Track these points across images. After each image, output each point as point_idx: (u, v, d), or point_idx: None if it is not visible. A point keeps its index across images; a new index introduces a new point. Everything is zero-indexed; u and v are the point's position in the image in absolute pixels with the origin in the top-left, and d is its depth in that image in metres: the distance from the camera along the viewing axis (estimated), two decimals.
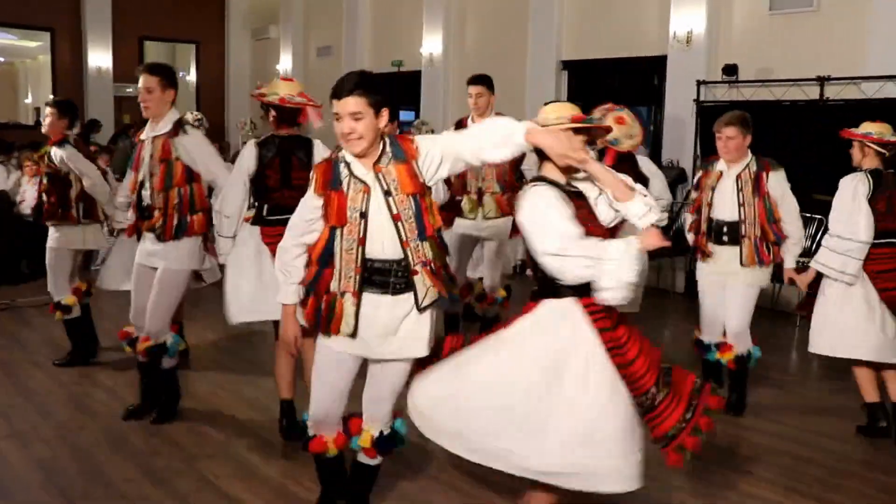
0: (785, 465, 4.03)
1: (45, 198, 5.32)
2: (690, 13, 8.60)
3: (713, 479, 3.84)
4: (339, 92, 2.78)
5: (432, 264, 2.89)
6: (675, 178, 8.57)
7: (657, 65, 9.19)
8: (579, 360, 2.70)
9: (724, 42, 8.55)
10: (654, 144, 9.68)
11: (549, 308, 2.79)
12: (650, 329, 6.63)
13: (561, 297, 2.77)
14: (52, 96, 15.31)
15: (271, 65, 16.03)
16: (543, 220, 2.72)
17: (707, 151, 8.06)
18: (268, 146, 4.02)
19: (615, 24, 9.63)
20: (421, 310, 2.89)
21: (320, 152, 4.00)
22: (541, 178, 2.86)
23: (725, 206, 4.57)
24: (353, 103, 2.75)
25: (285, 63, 15.34)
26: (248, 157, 4.00)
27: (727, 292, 4.62)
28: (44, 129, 5.38)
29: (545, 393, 2.67)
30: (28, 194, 8.13)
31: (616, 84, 10.11)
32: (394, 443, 3.25)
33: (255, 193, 4.06)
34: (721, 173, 4.62)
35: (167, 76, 4.24)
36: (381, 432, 3.21)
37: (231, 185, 4.06)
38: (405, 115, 13.60)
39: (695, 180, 4.98)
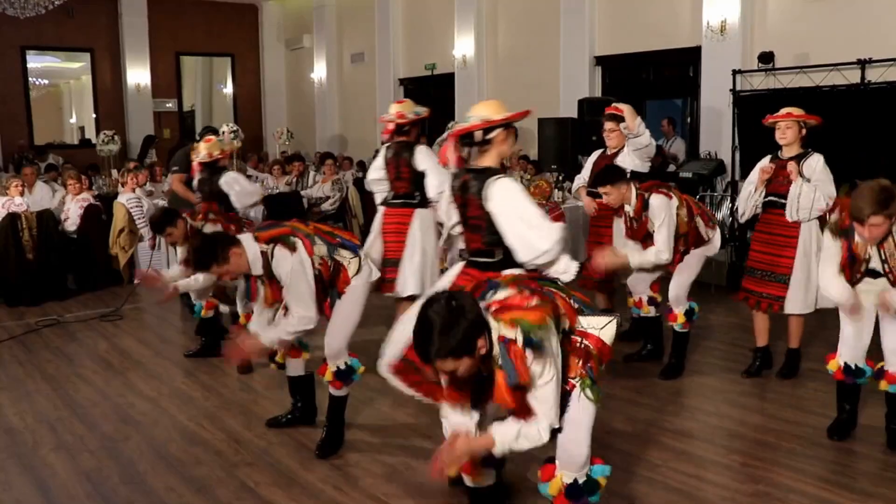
0: (829, 459, 3.93)
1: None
2: (724, 2, 8.47)
3: (755, 473, 3.77)
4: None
5: None
6: (714, 169, 8.43)
7: (691, 56, 9.06)
8: None
9: (758, 29, 8.39)
10: (691, 136, 9.57)
11: None
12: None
13: None
14: (93, 115, 15.69)
15: (306, 74, 16.19)
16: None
17: (745, 142, 7.94)
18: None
19: (647, 17, 9.53)
20: None
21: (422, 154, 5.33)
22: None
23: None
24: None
25: (319, 72, 15.48)
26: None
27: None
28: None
29: None
30: (72, 212, 8.31)
31: (651, 77, 10.01)
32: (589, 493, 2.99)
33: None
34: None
35: None
36: (575, 480, 2.98)
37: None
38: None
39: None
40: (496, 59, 11.73)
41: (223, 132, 9.67)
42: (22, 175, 8.95)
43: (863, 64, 7.30)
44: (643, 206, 4.90)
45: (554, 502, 3.01)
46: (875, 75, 7.25)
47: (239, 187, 5.99)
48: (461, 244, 3.61)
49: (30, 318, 7.13)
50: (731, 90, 8.24)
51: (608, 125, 5.81)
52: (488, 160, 3.40)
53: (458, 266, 3.55)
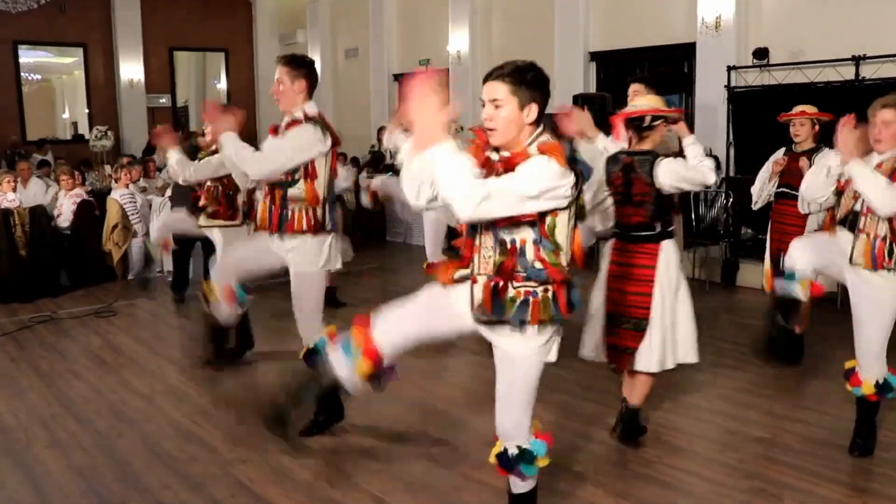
0: (823, 455, 3.93)
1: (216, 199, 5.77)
2: None
3: (750, 469, 3.78)
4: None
5: None
6: None
7: (686, 52, 9.05)
8: None
9: (753, 25, 8.39)
10: None
11: None
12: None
13: None
14: (86, 110, 15.63)
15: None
16: None
17: (739, 137, 7.95)
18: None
19: (642, 13, 9.52)
20: None
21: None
22: None
23: None
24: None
25: None
26: None
27: None
28: (207, 136, 5.76)
29: None
30: (65, 208, 8.29)
31: (645, 73, 9.99)
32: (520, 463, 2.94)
33: None
34: None
35: (296, 65, 4.20)
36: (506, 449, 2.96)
37: None
38: None
39: None
40: (490, 54, 11.70)
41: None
42: (17, 170, 8.92)
43: (857, 60, 7.31)
44: None
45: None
46: (869, 71, 7.25)
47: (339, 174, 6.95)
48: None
49: (23, 314, 7.09)
50: (725, 86, 8.24)
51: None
52: (647, 144, 3.89)
53: (611, 243, 3.98)
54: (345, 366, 2.91)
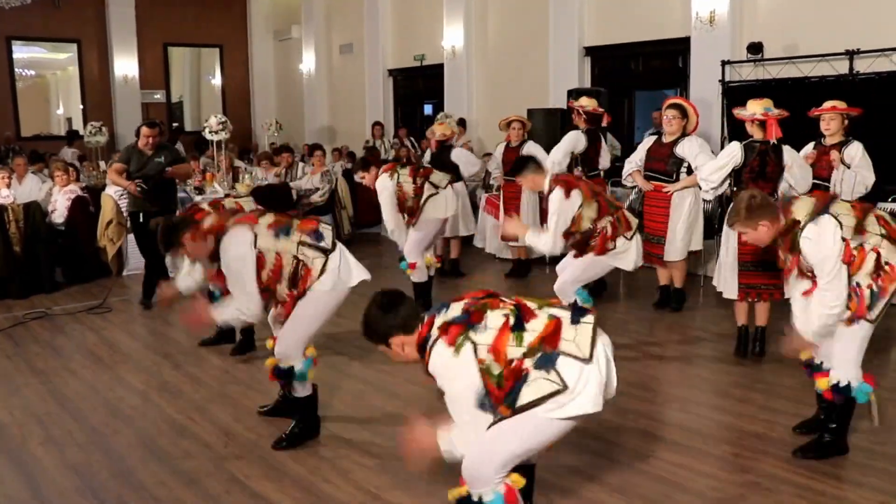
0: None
1: None
2: None
3: (745, 464, 3.79)
4: None
5: None
6: None
7: (681, 47, 9.07)
8: None
9: (748, 20, 8.40)
10: None
11: None
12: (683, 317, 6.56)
13: None
14: (80, 106, 15.58)
15: (295, 65, 16.12)
16: None
17: (734, 132, 7.95)
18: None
19: (637, 8, 9.52)
20: None
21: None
22: None
23: None
24: None
25: (308, 63, 15.42)
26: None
27: None
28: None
29: None
30: (59, 204, 8.26)
31: (640, 68, 10.00)
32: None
33: None
34: None
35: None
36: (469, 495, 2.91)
37: None
38: (426, 108, 13.59)
39: None
40: (485, 49, 11.70)
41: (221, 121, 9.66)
42: (14, 164, 8.89)
43: (851, 55, 7.32)
44: (548, 194, 5.11)
45: None
46: (863, 66, 7.27)
47: (465, 159, 8.06)
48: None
49: (17, 311, 7.08)
50: (720, 81, 8.26)
51: (670, 113, 6.33)
52: (768, 136, 5.15)
53: None
54: None
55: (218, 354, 5.66)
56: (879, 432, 4.07)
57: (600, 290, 6.99)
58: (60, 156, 12.16)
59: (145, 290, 7.16)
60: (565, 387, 2.65)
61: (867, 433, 4.07)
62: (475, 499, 2.81)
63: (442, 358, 2.72)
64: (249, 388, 5.04)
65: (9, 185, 8.08)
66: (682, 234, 6.41)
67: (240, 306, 3.90)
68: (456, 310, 2.79)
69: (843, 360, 3.73)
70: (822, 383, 3.82)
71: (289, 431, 4.13)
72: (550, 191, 5.06)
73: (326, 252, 3.95)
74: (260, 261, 3.87)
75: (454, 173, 7.34)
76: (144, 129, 6.95)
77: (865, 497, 3.46)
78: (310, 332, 4.08)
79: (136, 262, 8.41)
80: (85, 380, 5.24)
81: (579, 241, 5.14)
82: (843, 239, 3.52)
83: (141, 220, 6.98)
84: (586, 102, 7.32)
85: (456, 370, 2.71)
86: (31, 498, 3.62)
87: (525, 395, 2.68)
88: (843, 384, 3.73)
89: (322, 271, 3.92)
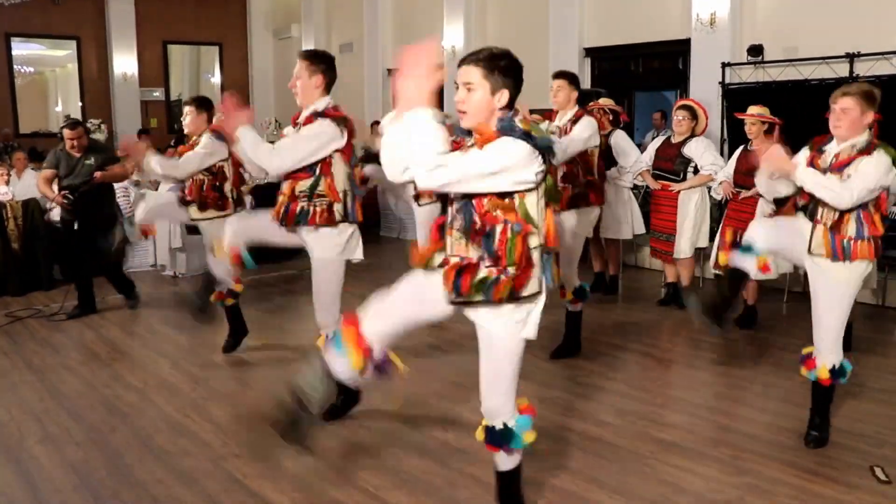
0: (816, 451, 3.93)
1: (203, 190, 5.55)
2: None
3: (743, 465, 3.79)
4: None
5: None
6: None
7: (681, 48, 9.07)
8: None
9: (748, 22, 8.40)
10: None
11: None
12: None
13: None
14: (79, 104, 15.56)
15: (294, 64, 16.08)
16: None
17: (734, 134, 7.95)
18: None
19: (637, 9, 9.52)
20: None
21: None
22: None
23: None
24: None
25: None
26: None
27: None
28: (186, 129, 5.68)
29: None
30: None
31: (640, 69, 10.01)
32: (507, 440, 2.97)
33: None
34: None
35: (314, 60, 4.28)
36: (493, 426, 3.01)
37: None
38: None
39: None
40: None
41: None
42: (14, 159, 8.87)
43: (851, 57, 7.32)
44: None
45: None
46: (864, 69, 7.27)
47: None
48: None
49: (15, 308, 7.07)
50: (720, 83, 8.26)
51: (681, 114, 6.54)
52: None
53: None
54: (340, 362, 2.94)
55: (216, 352, 5.65)
56: (877, 435, 4.07)
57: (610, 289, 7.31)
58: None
59: (86, 302, 6.86)
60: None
61: (864, 438, 4.08)
62: (501, 427, 2.93)
63: (510, 145, 2.62)
64: (248, 387, 5.03)
65: (7, 182, 8.06)
66: (689, 233, 6.63)
67: (271, 154, 4.02)
68: None
69: (828, 343, 3.85)
70: (722, 258, 4.19)
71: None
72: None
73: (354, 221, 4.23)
74: (326, 162, 4.08)
75: None
76: (66, 132, 6.48)
77: (863, 499, 3.47)
78: (339, 294, 4.26)
79: (136, 260, 8.40)
80: (82, 377, 5.23)
81: None
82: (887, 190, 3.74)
83: (75, 228, 6.59)
84: (607, 102, 7.28)
85: (508, 154, 2.61)
86: (28, 496, 3.60)
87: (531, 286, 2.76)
88: (837, 367, 3.86)
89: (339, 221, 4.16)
